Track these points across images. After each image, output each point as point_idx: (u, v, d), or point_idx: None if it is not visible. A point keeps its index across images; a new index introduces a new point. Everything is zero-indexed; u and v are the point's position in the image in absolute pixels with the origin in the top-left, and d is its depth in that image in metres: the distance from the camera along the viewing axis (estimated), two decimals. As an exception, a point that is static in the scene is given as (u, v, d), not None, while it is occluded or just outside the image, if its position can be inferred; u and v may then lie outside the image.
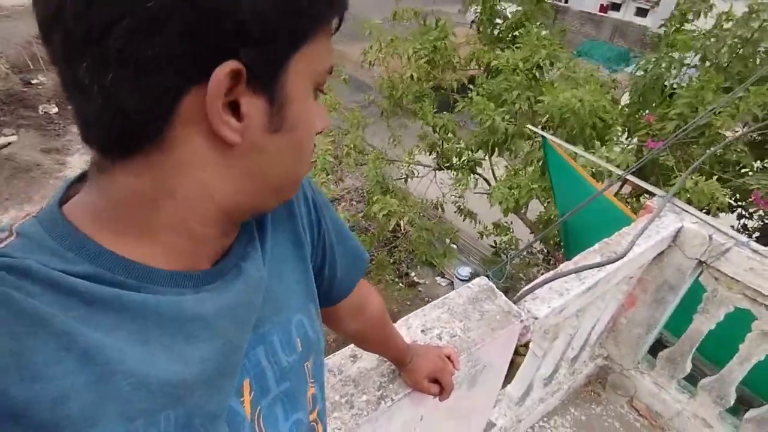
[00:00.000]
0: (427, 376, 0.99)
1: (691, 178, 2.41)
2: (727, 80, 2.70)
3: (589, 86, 2.93)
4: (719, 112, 2.58)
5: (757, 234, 3.70)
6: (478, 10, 4.73)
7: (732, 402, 1.87)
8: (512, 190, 3.42)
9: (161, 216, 0.40)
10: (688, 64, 2.96)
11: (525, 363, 1.71)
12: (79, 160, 9.11)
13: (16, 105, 10.24)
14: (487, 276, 1.34)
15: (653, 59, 2.99)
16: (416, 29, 4.73)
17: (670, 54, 2.94)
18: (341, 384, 1.01)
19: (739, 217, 3.90)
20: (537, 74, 3.49)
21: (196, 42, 0.34)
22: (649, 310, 1.97)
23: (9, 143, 9.18)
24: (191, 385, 0.40)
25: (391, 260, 6.82)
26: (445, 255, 5.28)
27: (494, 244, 5.42)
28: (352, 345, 1.09)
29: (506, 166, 4.92)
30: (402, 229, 4.49)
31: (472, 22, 7.77)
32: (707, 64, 2.81)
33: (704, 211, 3.51)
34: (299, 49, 0.39)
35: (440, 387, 1.00)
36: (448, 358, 1.03)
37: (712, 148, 2.64)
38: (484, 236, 5.41)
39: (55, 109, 10.41)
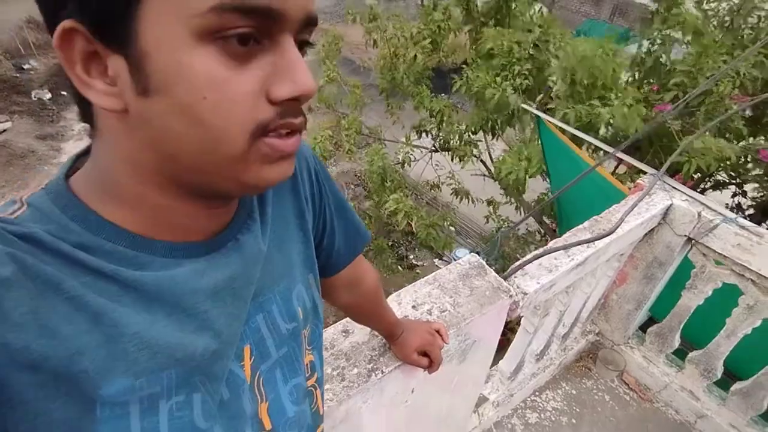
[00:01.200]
0: (416, 350, 1.02)
1: (701, 141, 2.40)
2: (722, 48, 2.69)
3: (598, 46, 2.89)
4: (720, 79, 2.57)
5: (750, 211, 3.72)
6: None
7: (719, 375, 1.91)
8: (521, 161, 3.37)
9: (125, 186, 0.41)
10: (683, 41, 2.94)
11: (516, 339, 1.75)
12: (73, 146, 9.05)
13: (9, 91, 10.13)
14: (477, 253, 1.36)
15: (651, 37, 2.97)
16: (419, 10, 4.66)
17: (663, 32, 2.92)
18: (333, 358, 1.04)
19: (733, 195, 3.92)
20: (533, 53, 3.46)
21: (43, 5, 0.35)
22: (639, 286, 2.00)
23: (3, 130, 9.12)
24: (191, 351, 0.43)
25: (390, 242, 6.85)
26: (445, 246, 5.31)
27: (489, 220, 5.43)
28: (344, 320, 1.12)
29: (504, 150, 4.91)
30: (414, 229, 4.48)
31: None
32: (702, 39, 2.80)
33: (707, 177, 3.52)
34: None
35: (429, 360, 1.03)
36: (438, 332, 1.06)
37: (714, 118, 2.65)
38: (490, 220, 5.42)
39: (48, 95, 10.31)
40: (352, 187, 8.73)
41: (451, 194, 5.42)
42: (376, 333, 1.08)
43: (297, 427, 0.59)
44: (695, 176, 3.42)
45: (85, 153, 0.44)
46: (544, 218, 4.71)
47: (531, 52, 3.51)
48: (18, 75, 10.61)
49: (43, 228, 0.37)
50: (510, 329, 1.90)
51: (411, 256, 8.12)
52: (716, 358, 1.88)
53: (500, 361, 1.87)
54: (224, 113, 0.35)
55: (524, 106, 2.92)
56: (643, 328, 2.21)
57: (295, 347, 0.58)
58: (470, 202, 5.35)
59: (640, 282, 2.00)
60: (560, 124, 2.50)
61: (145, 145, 0.38)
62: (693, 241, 1.80)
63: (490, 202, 5.26)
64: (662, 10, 2.93)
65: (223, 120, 0.36)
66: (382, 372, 1.03)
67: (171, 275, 0.42)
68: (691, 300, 1.89)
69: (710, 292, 1.83)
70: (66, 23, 0.34)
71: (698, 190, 3.63)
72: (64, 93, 10.43)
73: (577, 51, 2.71)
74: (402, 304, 1.20)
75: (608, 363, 2.16)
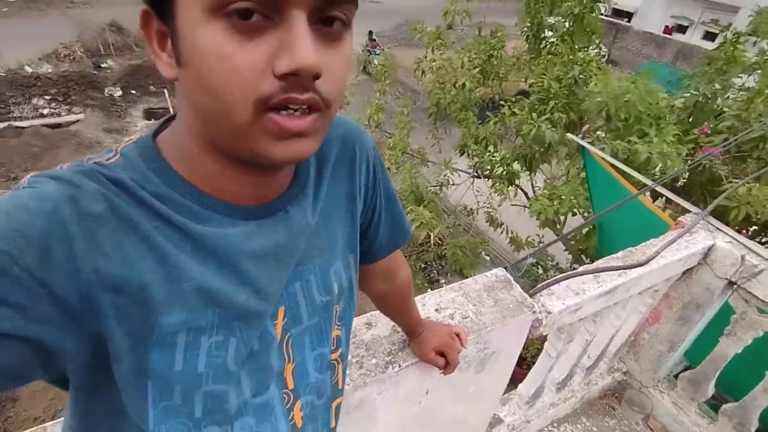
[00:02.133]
0: (434, 349, 1.05)
1: (746, 185, 2.33)
2: None
3: (640, 82, 2.88)
4: None
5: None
6: (523, 26, 4.73)
7: (753, 430, 1.81)
8: (552, 201, 3.39)
9: (188, 146, 0.48)
10: (740, 87, 2.87)
11: (538, 362, 1.73)
12: (136, 140, 9.66)
13: (86, 86, 10.99)
14: (505, 268, 1.38)
15: (704, 79, 2.93)
16: (473, 39, 4.78)
17: (721, 77, 2.87)
18: (354, 347, 1.09)
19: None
20: (574, 89, 3.48)
21: None
22: (674, 327, 1.94)
23: (77, 120, 9.88)
24: (234, 299, 0.49)
25: (422, 265, 6.86)
26: (471, 267, 5.27)
27: (516, 249, 5.34)
28: (368, 314, 1.17)
29: (545, 180, 4.87)
30: (432, 240, 4.51)
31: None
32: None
33: (757, 225, 3.36)
34: None
35: (446, 361, 1.06)
36: (458, 336, 1.08)
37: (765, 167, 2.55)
38: (521, 249, 5.35)
39: (119, 92, 11.11)
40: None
41: (486, 221, 5.39)
42: (398, 329, 1.12)
43: (316, 393, 0.64)
44: (749, 229, 3.27)
45: (174, 117, 0.52)
46: (584, 257, 4.61)
47: (571, 89, 3.53)
48: (95, 72, 11.52)
49: (129, 175, 0.45)
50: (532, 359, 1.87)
51: (442, 280, 8.06)
52: (752, 412, 1.78)
53: (519, 385, 1.84)
54: (228, 84, 0.39)
55: (570, 135, 2.92)
56: (677, 375, 2.13)
57: (326, 319, 0.63)
58: (502, 232, 5.30)
59: (675, 323, 1.93)
60: (606, 156, 2.48)
61: (189, 110, 0.45)
62: (735, 285, 1.73)
63: (513, 239, 5.18)
64: (723, 54, 2.88)
65: (227, 90, 0.39)
66: (399, 366, 1.06)
67: (225, 233, 0.48)
68: (728, 347, 1.81)
69: (750, 341, 1.75)
70: (143, 7, 0.42)
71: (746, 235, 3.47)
72: (134, 91, 11.21)
73: (610, 86, 2.71)
74: (426, 306, 1.23)
75: (634, 404, 2.08)
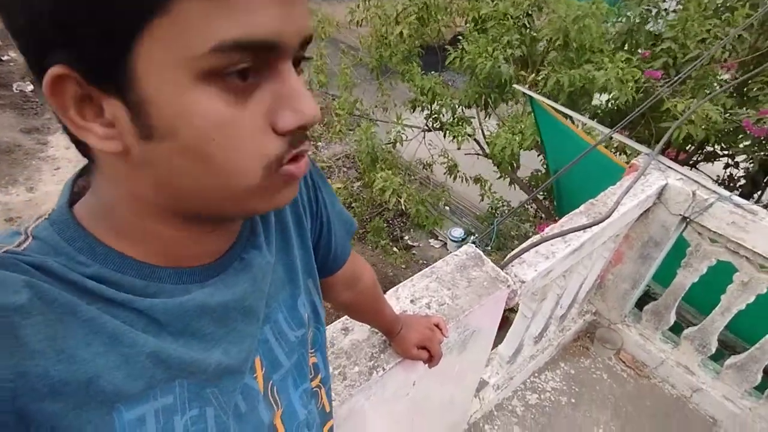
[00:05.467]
0: (416, 345, 1.02)
1: (684, 104, 2.39)
2: (707, 10, 2.66)
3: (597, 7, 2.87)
4: (709, 42, 2.54)
5: (742, 182, 3.73)
6: None
7: (713, 350, 1.95)
8: (515, 135, 3.36)
9: (129, 220, 0.41)
10: (669, 9, 2.91)
11: (515, 323, 1.76)
12: (60, 138, 8.88)
13: (-11, 83, 9.87)
14: (474, 243, 1.35)
15: (633, 9, 2.94)
16: None
17: (643, 4, 2.89)
18: (334, 356, 1.04)
19: (725, 166, 3.93)
20: (527, 22, 3.42)
21: (27, 49, 0.34)
22: (635, 265, 2.02)
23: (-14, 124, 8.92)
24: (203, 366, 0.44)
25: (384, 224, 6.87)
26: (437, 223, 5.32)
27: (484, 198, 5.43)
28: (343, 318, 1.12)
29: (497, 124, 4.88)
30: (402, 205, 4.47)
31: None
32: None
33: (699, 149, 3.52)
34: (142, 31, 0.30)
35: (429, 354, 1.03)
36: (437, 326, 1.06)
37: (703, 86, 2.62)
38: (485, 198, 5.42)
39: (30, 87, 10.03)
40: (344, 169, 8.67)
41: (445, 173, 5.40)
42: (375, 330, 1.08)
43: (307, 427, 0.61)
44: (688, 149, 3.42)
45: (81, 174, 0.44)
46: (539, 196, 4.72)
47: (524, 22, 3.47)
48: (-3, 67, 10.35)
49: (53, 260, 0.37)
50: (511, 309, 1.92)
51: (406, 237, 8.14)
52: (711, 334, 1.91)
53: (499, 346, 1.89)
54: (234, 152, 0.35)
55: (516, 86, 2.88)
56: (639, 305, 2.24)
57: (303, 353, 0.59)
58: (463, 180, 5.35)
59: (636, 261, 2.01)
60: (552, 104, 2.47)
61: (149, 184, 0.38)
62: (688, 219, 1.80)
63: (477, 180, 5.24)
64: None
65: (234, 158, 0.35)
66: (383, 369, 1.03)
67: (180, 302, 0.42)
68: (686, 278, 1.91)
69: (705, 270, 1.84)
70: (55, 69, 0.32)
71: (691, 162, 3.63)
72: (47, 84, 10.19)
73: (570, 8, 2.68)
74: (400, 298, 1.20)
75: (605, 342, 2.19)
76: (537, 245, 1.38)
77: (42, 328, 0.34)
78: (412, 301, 1.19)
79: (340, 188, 5.41)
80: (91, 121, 0.35)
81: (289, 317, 0.57)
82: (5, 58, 10.75)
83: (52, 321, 0.35)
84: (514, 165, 4.70)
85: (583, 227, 1.42)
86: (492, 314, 1.33)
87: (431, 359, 1.04)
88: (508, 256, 1.37)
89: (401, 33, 4.55)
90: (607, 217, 1.47)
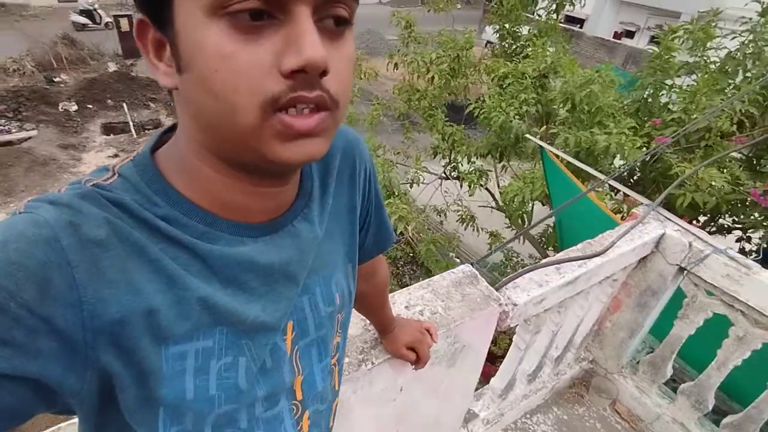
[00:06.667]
0: (405, 345, 1.07)
1: (694, 175, 2.48)
2: (719, 83, 2.81)
3: (603, 72, 3.05)
4: (717, 116, 2.67)
5: (753, 256, 3.72)
6: (497, 28, 4.95)
7: (710, 407, 1.92)
8: (526, 185, 3.49)
9: (189, 160, 0.46)
10: (677, 87, 3.08)
11: (508, 355, 1.79)
12: (94, 156, 9.34)
13: (38, 101, 10.55)
14: (472, 264, 1.43)
15: (648, 73, 3.13)
16: (441, 39, 4.93)
17: (658, 79, 3.07)
18: (327, 347, 1.10)
19: (738, 239, 3.93)
20: (545, 83, 3.66)
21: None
22: (633, 314, 2.04)
23: (29, 137, 9.46)
24: (243, 317, 0.49)
25: (396, 271, 6.92)
26: (447, 267, 5.36)
27: (491, 246, 5.49)
28: (339, 315, 1.18)
29: (512, 176, 5.03)
30: (410, 235, 4.57)
31: (487, 42, 8.03)
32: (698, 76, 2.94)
33: (711, 221, 3.56)
34: None
35: (417, 356, 1.09)
36: (428, 331, 1.11)
37: (713, 156, 2.72)
38: (492, 246, 5.48)
39: (75, 107, 10.71)
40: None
41: (457, 221, 5.50)
42: (369, 328, 1.14)
43: (321, 400, 0.65)
44: (699, 219, 3.46)
45: (170, 129, 0.50)
46: (549, 250, 4.76)
47: (540, 82, 3.70)
48: (48, 87, 11.08)
49: (131, 197, 0.43)
50: (503, 331, 1.94)
51: (411, 280, 8.12)
52: (707, 390, 1.89)
53: (492, 379, 1.90)
54: (233, 85, 0.37)
55: (528, 136, 3.04)
56: (637, 357, 2.23)
57: (330, 329, 0.63)
58: (474, 230, 5.42)
59: (634, 310, 2.03)
60: (560, 153, 2.60)
61: (191, 119, 0.43)
62: (685, 270, 1.84)
63: (493, 234, 5.34)
64: (657, 60, 3.08)
65: (232, 92, 0.37)
66: (372, 363, 1.08)
67: (234, 252, 0.47)
68: (683, 329, 1.92)
69: (701, 322, 1.86)
70: (138, 16, 0.41)
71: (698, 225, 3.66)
72: (90, 106, 10.84)
73: (576, 75, 2.86)
74: (396, 304, 1.26)
75: (601, 391, 2.17)
76: (532, 271, 1.45)
77: (117, 262, 0.40)
78: (406, 307, 1.26)
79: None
80: (160, 62, 0.42)
81: (325, 293, 0.60)
82: (57, 79, 11.53)
83: (124, 257, 0.40)
84: (525, 219, 4.80)
85: (578, 259, 1.48)
86: (482, 332, 1.37)
87: (418, 361, 1.09)
88: (503, 280, 1.43)
89: (432, 78, 4.86)
90: (602, 253, 1.53)
